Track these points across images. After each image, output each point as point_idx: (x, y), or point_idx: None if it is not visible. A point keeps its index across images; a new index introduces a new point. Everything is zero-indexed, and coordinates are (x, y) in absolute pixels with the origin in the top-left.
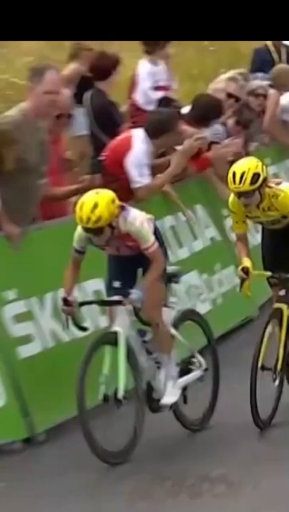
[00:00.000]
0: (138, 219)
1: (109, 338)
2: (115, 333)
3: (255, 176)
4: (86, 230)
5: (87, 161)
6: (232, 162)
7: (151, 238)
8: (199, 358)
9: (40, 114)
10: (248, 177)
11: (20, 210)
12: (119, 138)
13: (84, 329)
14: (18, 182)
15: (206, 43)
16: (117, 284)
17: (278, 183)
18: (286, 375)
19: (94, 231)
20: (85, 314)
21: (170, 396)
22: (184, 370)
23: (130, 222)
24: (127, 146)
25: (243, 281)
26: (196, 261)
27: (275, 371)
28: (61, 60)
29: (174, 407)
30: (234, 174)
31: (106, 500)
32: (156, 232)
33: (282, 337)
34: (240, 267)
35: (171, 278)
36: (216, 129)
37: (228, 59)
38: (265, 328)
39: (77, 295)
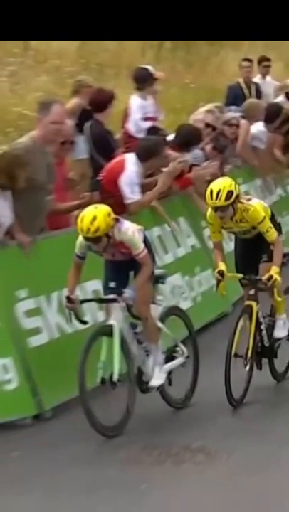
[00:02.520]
0: (130, 229)
1: (106, 330)
2: (111, 326)
3: (229, 193)
4: (86, 239)
5: (87, 180)
6: (209, 181)
7: (141, 246)
8: (182, 347)
9: (48, 141)
10: (223, 194)
11: (31, 222)
12: (114, 161)
13: (84, 322)
14: (28, 198)
15: (186, 81)
16: (112, 284)
17: (249, 199)
18: (255, 361)
19: (93, 240)
20: (85, 310)
21: (157, 379)
22: (169, 357)
23: (124, 232)
24: (120, 168)
25: (218, 282)
26: (179, 265)
27: (246, 358)
28: (65, 95)
29: (160, 389)
30: (211, 191)
31: (103, 467)
32: (146, 241)
33: (252, 329)
34: (216, 270)
35: (158, 279)
36: (195, 153)
37: (206, 94)
38: (238, 321)
39: (78, 294)
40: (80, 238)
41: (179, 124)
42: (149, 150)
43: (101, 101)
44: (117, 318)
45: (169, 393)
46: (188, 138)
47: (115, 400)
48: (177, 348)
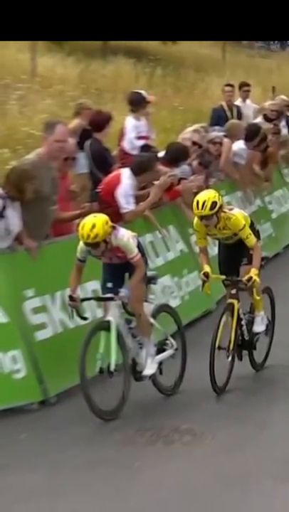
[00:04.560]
0: (125, 236)
1: (104, 326)
2: (108, 322)
3: (214, 204)
4: (86, 244)
5: (87, 192)
6: (196, 193)
7: (135, 250)
8: (171, 340)
9: (52, 157)
10: (208, 204)
11: (37, 229)
12: (111, 175)
13: (85, 319)
14: (35, 208)
15: (175, 104)
16: (109, 284)
17: (231, 209)
18: (237, 353)
19: (92, 245)
20: (85, 308)
21: (149, 369)
22: (160, 349)
23: (119, 238)
24: (117, 181)
25: (204, 283)
26: (169, 267)
27: (228, 350)
28: (68, 116)
29: (152, 377)
30: (198, 202)
31: (101, 447)
32: (139, 246)
33: (233, 325)
34: (202, 272)
35: (150, 280)
36: (183, 168)
37: (193, 116)
38: (221, 318)
39: (80, 293)
40: (81, 243)
41: (168, 142)
42: (142, 165)
43: (99, 121)
44: (113, 315)
45: (160, 381)
46: (177, 154)
47: (112, 388)
48: (167, 341)
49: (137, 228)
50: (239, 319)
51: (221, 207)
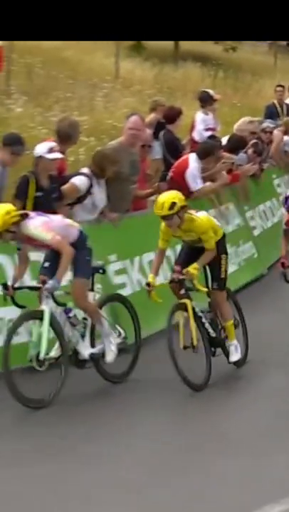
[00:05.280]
0: (33, 226)
1: (37, 315)
2: (41, 311)
3: (172, 204)
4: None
5: (159, 174)
6: (252, 176)
7: (49, 236)
8: (119, 329)
9: (129, 144)
10: (166, 205)
11: (119, 205)
12: (180, 159)
13: (22, 307)
14: (117, 186)
15: (234, 101)
16: (46, 264)
17: (197, 212)
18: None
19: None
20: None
21: (109, 355)
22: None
23: (26, 227)
24: (185, 164)
25: (148, 292)
26: (228, 238)
27: (193, 347)
28: (145, 111)
29: (96, 363)
30: (157, 203)
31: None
32: (81, 236)
33: (192, 322)
34: (145, 283)
35: (97, 270)
36: (241, 156)
37: (249, 112)
38: (170, 319)
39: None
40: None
41: (228, 133)
42: (207, 150)
43: (172, 115)
44: (47, 304)
45: (104, 368)
46: (237, 144)
47: (45, 376)
48: (116, 331)
49: (202, 205)
50: (197, 317)
51: (183, 207)
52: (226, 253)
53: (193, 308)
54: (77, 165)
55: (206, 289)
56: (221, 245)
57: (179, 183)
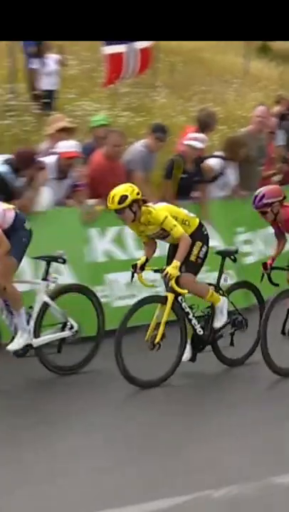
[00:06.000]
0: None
1: None
2: None
3: (123, 197)
4: None
5: (281, 157)
6: None
7: None
8: (72, 322)
9: (257, 130)
10: (116, 199)
11: (247, 184)
12: None
13: None
14: (246, 168)
15: None
16: None
17: (155, 203)
18: (192, 351)
19: None
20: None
21: (14, 344)
22: (60, 329)
23: None
24: None
25: (132, 274)
26: None
27: (153, 342)
28: (270, 104)
29: (17, 353)
30: (109, 196)
31: None
32: (15, 222)
33: (164, 319)
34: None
35: (56, 259)
36: None
37: None
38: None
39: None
40: None
41: None
42: None
43: None
44: None
45: (48, 359)
46: None
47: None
48: (68, 323)
49: None
50: (186, 313)
51: (136, 201)
52: (203, 241)
53: (181, 304)
54: (212, 150)
55: (185, 291)
56: (197, 235)
57: None
